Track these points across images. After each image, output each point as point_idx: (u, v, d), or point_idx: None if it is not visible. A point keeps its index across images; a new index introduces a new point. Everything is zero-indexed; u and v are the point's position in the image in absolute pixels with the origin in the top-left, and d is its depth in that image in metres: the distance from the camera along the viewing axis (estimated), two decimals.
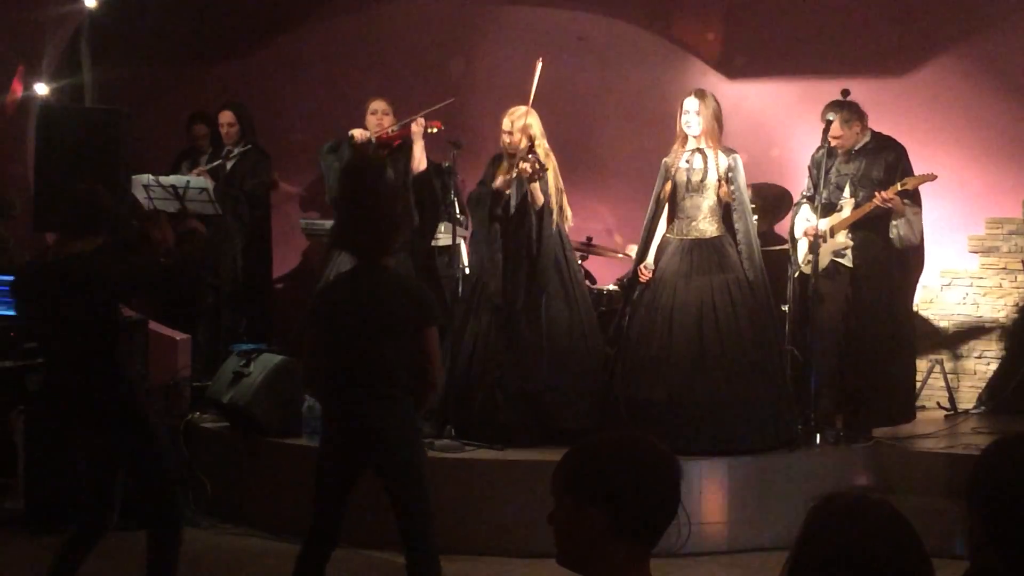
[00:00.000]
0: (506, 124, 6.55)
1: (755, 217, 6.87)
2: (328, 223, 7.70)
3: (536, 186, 6.45)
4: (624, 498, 2.14)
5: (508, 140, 6.54)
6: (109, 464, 4.68)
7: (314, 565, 4.41)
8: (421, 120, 6.96)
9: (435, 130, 6.92)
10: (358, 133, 7.21)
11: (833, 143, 6.76)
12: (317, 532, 4.42)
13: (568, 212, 6.69)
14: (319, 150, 7.52)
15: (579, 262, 7.77)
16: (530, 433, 6.41)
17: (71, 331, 4.56)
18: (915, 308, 8.01)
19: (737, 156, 6.54)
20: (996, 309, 8.10)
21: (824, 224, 6.74)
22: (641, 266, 6.64)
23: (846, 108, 6.72)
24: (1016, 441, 2.22)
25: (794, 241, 7.00)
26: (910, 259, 6.85)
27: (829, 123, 6.61)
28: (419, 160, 7.13)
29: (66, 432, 4.82)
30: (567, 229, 6.76)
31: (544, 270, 6.54)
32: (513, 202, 6.56)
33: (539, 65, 6.61)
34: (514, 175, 6.49)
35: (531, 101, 6.58)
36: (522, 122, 6.50)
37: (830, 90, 7.25)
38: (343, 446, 4.41)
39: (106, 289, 4.58)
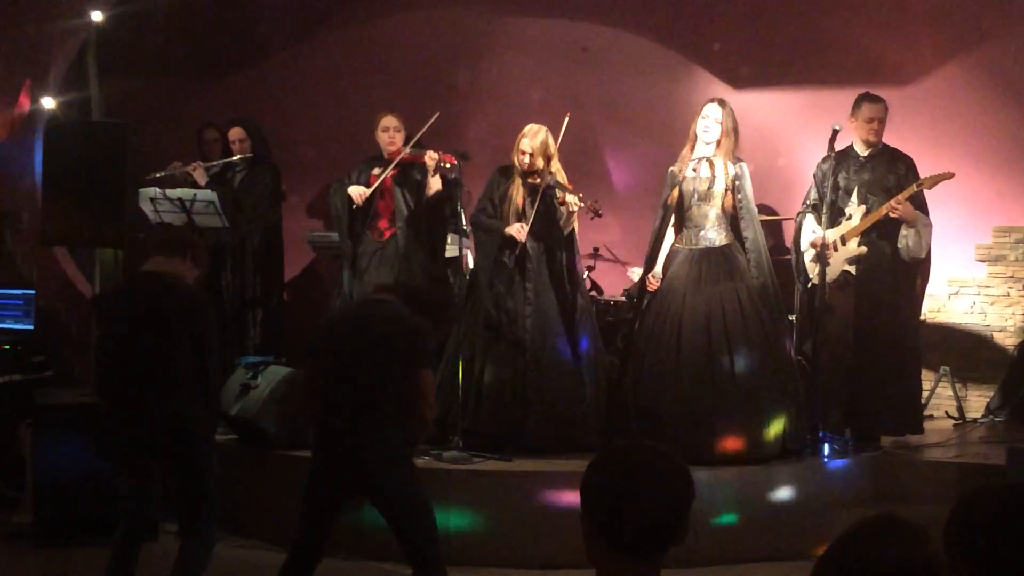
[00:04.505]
0: (525, 145, 6.57)
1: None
2: (334, 235, 7.72)
3: (575, 217, 6.56)
4: (596, 509, 2.14)
5: (528, 161, 6.57)
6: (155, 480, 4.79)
7: None
8: (435, 154, 6.97)
9: (448, 165, 6.96)
10: (356, 196, 7.24)
11: (872, 138, 6.76)
12: (300, 547, 4.51)
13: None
14: (329, 189, 7.56)
15: (585, 274, 7.80)
16: (554, 445, 6.45)
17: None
18: (923, 317, 8.00)
19: (744, 165, 6.54)
20: (1003, 318, 8.09)
21: (832, 234, 6.73)
22: (649, 275, 6.63)
23: (882, 101, 6.74)
24: (993, 493, 2.13)
25: (799, 252, 6.97)
26: (916, 271, 6.83)
27: (835, 132, 6.59)
28: (434, 191, 7.17)
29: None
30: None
31: (577, 302, 6.67)
32: (528, 223, 6.57)
33: (567, 120, 6.63)
34: (530, 216, 6.54)
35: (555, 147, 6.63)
36: (540, 139, 6.56)
37: (836, 100, 7.26)
38: (329, 470, 4.48)
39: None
